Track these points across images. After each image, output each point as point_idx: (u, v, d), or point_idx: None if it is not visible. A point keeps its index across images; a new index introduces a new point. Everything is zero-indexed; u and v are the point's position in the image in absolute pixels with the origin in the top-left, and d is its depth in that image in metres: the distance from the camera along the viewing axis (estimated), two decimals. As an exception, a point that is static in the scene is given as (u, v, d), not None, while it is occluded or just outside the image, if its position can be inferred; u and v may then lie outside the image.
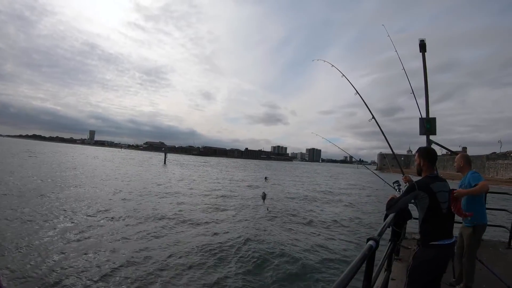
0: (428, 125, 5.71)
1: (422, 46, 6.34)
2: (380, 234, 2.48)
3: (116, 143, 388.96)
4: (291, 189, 29.92)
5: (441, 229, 2.77)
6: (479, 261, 4.53)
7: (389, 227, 3.42)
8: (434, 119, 5.87)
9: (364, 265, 2.20)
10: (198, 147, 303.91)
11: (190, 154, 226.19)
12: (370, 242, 2.11)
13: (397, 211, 3.04)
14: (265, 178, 40.08)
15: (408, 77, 6.37)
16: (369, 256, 2.18)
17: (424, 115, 5.87)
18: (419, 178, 2.99)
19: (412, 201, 2.83)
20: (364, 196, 27.80)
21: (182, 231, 11.25)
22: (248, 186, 30.51)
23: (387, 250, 3.34)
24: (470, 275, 3.95)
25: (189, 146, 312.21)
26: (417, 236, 6.25)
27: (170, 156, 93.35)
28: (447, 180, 2.95)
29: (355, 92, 6.18)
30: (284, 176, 51.31)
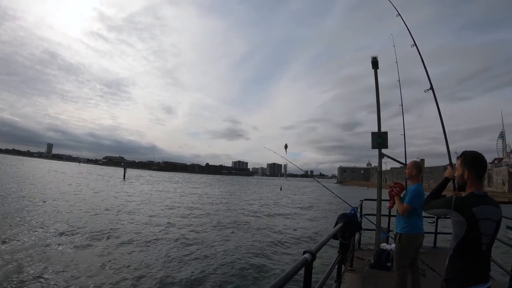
0: (379, 140, 5.99)
1: (374, 63, 6.70)
2: (318, 247, 2.44)
3: (75, 157, 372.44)
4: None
5: (477, 270, 2.04)
6: (430, 268, 4.66)
7: (337, 239, 3.53)
8: (385, 133, 6.17)
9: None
10: (159, 162, 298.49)
11: (150, 169, 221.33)
12: (306, 255, 2.14)
13: (431, 214, 2.47)
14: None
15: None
16: (306, 269, 2.23)
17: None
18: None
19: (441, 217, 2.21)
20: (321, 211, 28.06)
21: (131, 251, 10.82)
22: (211, 202, 30.09)
23: (334, 262, 3.37)
24: (399, 284, 3.85)
25: (149, 161, 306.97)
26: (372, 247, 6.53)
27: (130, 171, 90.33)
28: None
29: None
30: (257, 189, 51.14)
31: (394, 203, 4.01)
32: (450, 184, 2.62)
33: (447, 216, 2.21)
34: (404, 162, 6.40)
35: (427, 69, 3.91)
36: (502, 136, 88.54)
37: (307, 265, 2.16)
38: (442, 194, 2.50)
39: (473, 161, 2.14)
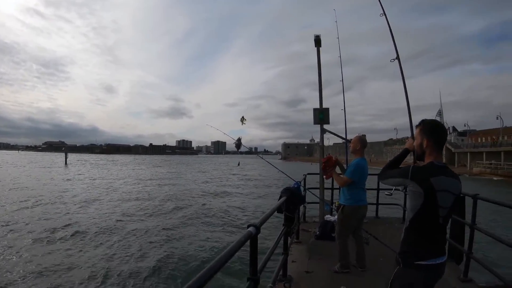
0: (321, 116, 6.19)
1: (317, 42, 6.80)
2: (262, 220, 2.47)
3: (13, 145, 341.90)
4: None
5: (433, 243, 1.99)
6: (373, 236, 4.94)
7: (282, 212, 3.63)
8: (327, 109, 6.38)
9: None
10: (101, 145, 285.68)
11: (92, 153, 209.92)
12: (250, 229, 2.17)
13: (387, 184, 2.29)
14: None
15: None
16: (251, 242, 2.28)
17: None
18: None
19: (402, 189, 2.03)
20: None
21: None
22: (158, 184, 29.39)
23: (280, 234, 3.47)
24: (341, 252, 4.15)
25: (91, 145, 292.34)
26: (317, 219, 6.81)
27: (71, 156, 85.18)
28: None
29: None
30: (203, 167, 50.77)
31: (330, 175, 4.26)
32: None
33: (404, 188, 2.13)
34: (344, 137, 6.73)
35: (394, 38, 3.86)
36: (440, 114, 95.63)
37: (252, 238, 2.20)
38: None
39: (432, 128, 2.05)
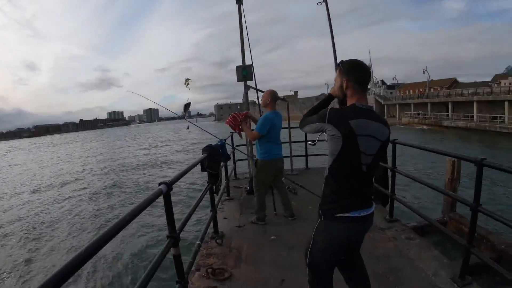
0: (244, 72, 6.10)
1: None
2: (175, 178, 2.37)
3: None
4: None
5: (357, 193, 1.81)
6: (300, 186, 5.14)
7: (205, 170, 3.56)
8: (250, 66, 6.29)
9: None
10: (29, 128, 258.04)
11: (21, 138, 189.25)
12: (161, 186, 2.08)
13: (307, 132, 2.02)
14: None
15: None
16: (165, 199, 2.20)
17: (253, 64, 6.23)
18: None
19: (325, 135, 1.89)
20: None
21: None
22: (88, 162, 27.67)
23: (204, 191, 3.40)
24: (257, 205, 4.29)
25: (19, 129, 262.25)
26: (248, 175, 6.98)
27: None
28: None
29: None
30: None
31: (240, 130, 4.26)
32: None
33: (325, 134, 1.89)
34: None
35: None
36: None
37: (165, 196, 2.15)
38: None
39: (350, 66, 1.83)
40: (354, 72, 1.81)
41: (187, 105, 4.76)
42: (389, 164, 4.07)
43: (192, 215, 2.86)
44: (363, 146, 1.72)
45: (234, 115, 4.23)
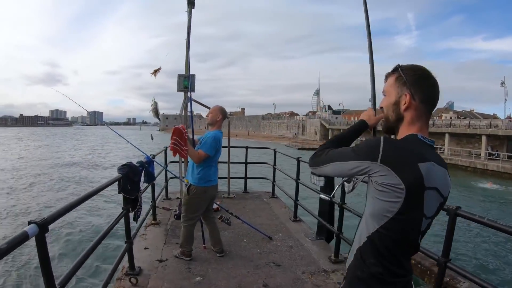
0: (185, 82, 5.52)
1: (190, 2, 6.01)
2: (54, 215, 1.68)
3: None
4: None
5: (397, 266, 1.13)
6: (236, 216, 4.67)
7: (121, 194, 2.90)
8: (193, 76, 5.75)
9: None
10: None
11: None
12: (28, 228, 1.44)
13: (329, 174, 1.25)
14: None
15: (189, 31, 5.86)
16: (37, 244, 1.55)
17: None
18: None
19: (355, 179, 1.35)
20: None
21: None
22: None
23: (114, 221, 2.71)
24: (183, 236, 3.61)
25: None
26: (180, 195, 6.13)
27: None
28: None
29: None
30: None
31: (179, 150, 3.44)
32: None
33: (362, 180, 1.28)
34: (209, 107, 6.25)
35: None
36: (317, 93, 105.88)
37: (38, 239, 1.54)
38: None
39: (418, 77, 1.15)
40: (422, 86, 1.14)
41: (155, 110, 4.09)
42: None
43: (101, 247, 2.18)
44: (427, 205, 1.09)
45: (174, 139, 3.38)
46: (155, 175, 4.20)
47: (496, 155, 27.09)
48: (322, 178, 4.10)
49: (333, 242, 4.18)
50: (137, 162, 3.26)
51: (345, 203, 3.66)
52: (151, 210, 4.78)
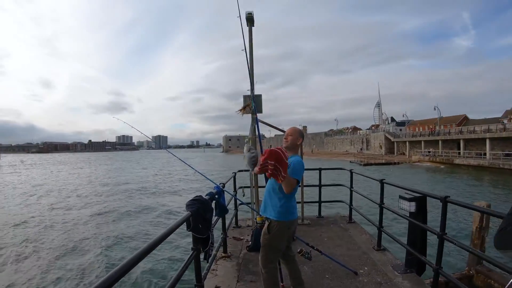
0: (252, 103, 5.24)
1: (249, 20, 5.83)
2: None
3: None
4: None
5: None
6: (317, 250, 4.01)
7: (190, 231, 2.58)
8: (259, 96, 5.48)
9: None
10: (38, 144, 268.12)
11: (29, 152, 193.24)
12: None
13: None
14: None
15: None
16: None
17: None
18: None
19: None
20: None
21: None
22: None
23: (186, 263, 2.43)
24: (266, 283, 2.97)
25: (28, 144, 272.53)
26: (251, 223, 5.69)
27: (5, 157, 77.41)
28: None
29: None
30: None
31: (277, 176, 2.68)
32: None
33: None
34: (281, 129, 5.88)
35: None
36: (378, 105, 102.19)
37: None
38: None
39: None
40: None
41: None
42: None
43: None
44: None
45: (273, 165, 2.62)
46: (226, 204, 3.86)
47: None
48: (413, 204, 3.83)
49: (424, 275, 3.86)
50: (206, 195, 2.97)
51: (446, 233, 2.99)
52: (221, 242, 4.46)
